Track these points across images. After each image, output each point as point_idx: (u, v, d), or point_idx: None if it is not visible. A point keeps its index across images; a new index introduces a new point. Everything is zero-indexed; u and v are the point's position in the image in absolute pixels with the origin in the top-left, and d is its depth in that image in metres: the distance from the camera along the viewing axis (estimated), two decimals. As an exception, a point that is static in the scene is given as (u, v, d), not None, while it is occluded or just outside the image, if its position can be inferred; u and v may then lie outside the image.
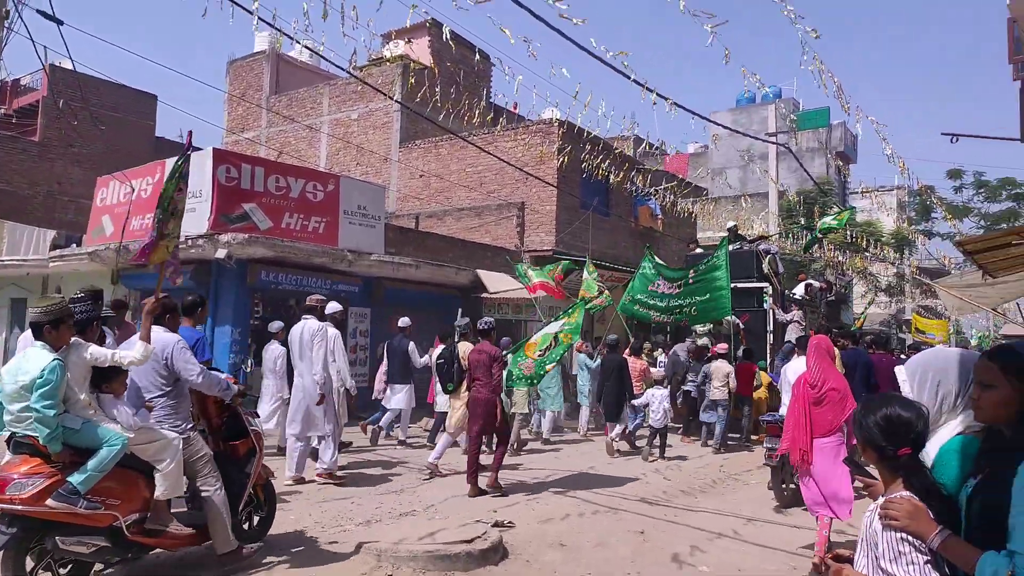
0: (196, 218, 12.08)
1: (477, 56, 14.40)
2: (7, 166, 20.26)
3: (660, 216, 21.71)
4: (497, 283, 15.87)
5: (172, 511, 4.69)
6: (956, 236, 18.02)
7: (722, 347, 11.94)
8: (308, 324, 7.90)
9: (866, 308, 23.66)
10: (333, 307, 8.53)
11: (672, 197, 20.08)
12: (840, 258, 22.93)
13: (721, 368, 11.45)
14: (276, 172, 13.01)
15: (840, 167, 33.19)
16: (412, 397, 10.73)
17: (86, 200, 16.26)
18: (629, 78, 8.89)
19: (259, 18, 8.38)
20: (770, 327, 14.40)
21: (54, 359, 4.11)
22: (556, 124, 18.57)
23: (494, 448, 8.51)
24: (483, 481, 7.70)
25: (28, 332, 5.41)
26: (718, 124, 14.11)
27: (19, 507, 4.02)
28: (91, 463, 4.15)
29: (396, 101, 19.50)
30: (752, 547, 6.04)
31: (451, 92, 19.15)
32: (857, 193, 38.83)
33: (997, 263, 9.09)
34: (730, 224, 16.16)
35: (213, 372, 5.02)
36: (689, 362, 12.74)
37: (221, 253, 11.57)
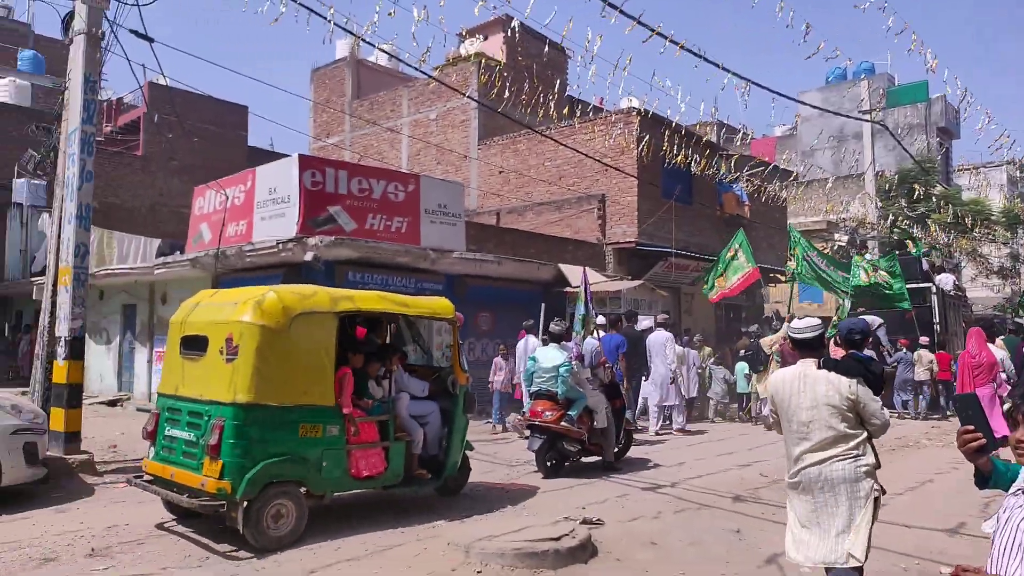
0: (285, 223, 12.48)
1: (547, 48, 14.22)
2: (114, 180, 21.57)
3: (747, 202, 20.96)
4: (580, 277, 15.71)
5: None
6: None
7: (924, 339, 15.53)
8: (663, 334, 12.55)
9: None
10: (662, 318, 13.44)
11: (759, 182, 19.34)
12: (945, 239, 21.55)
13: (924, 355, 15.15)
14: (359, 175, 13.29)
15: (940, 143, 31.19)
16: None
17: (186, 209, 17.12)
18: (703, 58, 8.57)
19: (335, 24, 8.53)
20: (936, 319, 17.03)
21: (567, 355, 8.35)
22: (635, 113, 18.20)
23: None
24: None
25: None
26: (803, 103, 13.47)
27: (549, 425, 8.02)
28: (576, 405, 8.20)
29: (471, 99, 19.59)
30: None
31: (526, 87, 19.09)
32: (964, 169, 36.38)
33: None
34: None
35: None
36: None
37: (309, 256, 11.89)
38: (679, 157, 15.18)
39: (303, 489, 5.50)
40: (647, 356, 12.24)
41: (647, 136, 16.48)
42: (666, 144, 15.60)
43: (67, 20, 8.50)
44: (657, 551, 5.50)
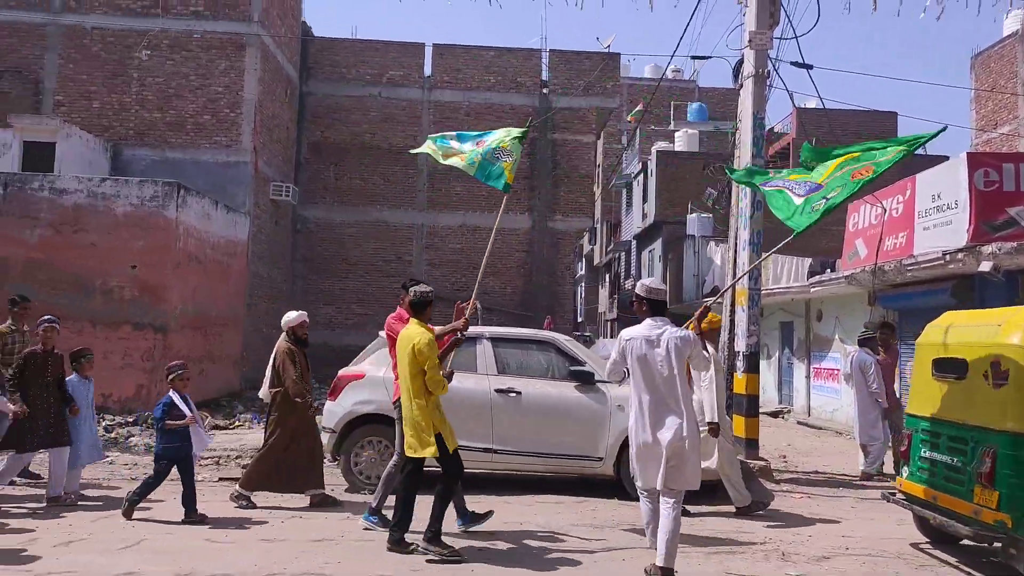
0: (952, 231, 11.28)
1: None
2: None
3: None
4: None
5: None
6: None
7: None
8: None
9: None
10: None
11: None
12: None
13: None
14: (1047, 166, 11.09)
15: None
16: None
17: (836, 227, 17.17)
18: None
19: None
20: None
21: None
22: None
23: None
24: None
25: None
26: None
27: None
28: None
29: None
30: None
31: None
32: None
33: None
34: None
35: None
36: None
37: (985, 266, 10.44)
38: None
39: None
40: None
41: None
42: None
43: (736, 67, 9.53)
44: None
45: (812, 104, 22.28)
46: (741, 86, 9.30)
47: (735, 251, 9.41)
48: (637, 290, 5.02)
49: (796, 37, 9.34)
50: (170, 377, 6.37)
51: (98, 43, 19.62)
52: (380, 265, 23.87)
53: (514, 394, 7.48)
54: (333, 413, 7.65)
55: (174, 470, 6.22)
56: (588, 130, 25.20)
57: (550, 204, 24.77)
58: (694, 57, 23.42)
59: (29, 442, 6.53)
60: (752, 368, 8.85)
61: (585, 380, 7.60)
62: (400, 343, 5.41)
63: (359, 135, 23.91)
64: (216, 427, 12.39)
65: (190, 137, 19.52)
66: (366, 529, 5.87)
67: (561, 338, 8.16)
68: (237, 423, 13.33)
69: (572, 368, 7.68)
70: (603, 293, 39.64)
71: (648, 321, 4.86)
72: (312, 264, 23.73)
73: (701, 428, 6.50)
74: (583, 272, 44.47)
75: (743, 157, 9.17)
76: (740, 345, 8.97)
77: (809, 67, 9.39)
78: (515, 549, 5.52)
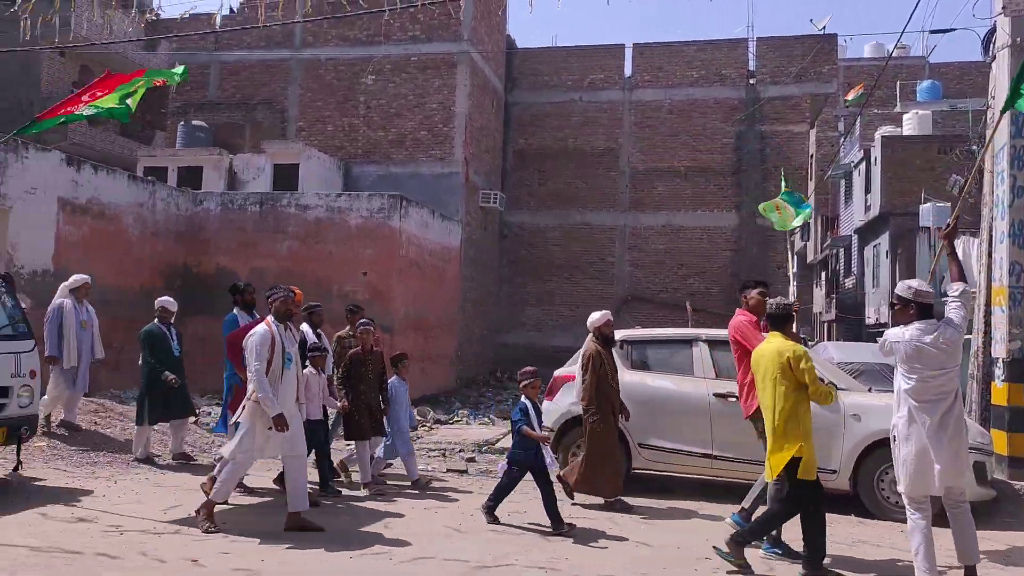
0: None
1: None
2: None
3: None
4: None
5: None
6: None
7: None
8: None
9: None
10: None
11: None
12: None
13: None
14: None
15: None
16: None
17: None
18: None
19: None
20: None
21: None
22: None
23: None
24: None
25: None
26: None
27: None
28: None
29: None
30: None
31: None
32: None
33: None
34: None
35: None
36: None
37: None
38: None
39: None
40: None
41: None
42: None
43: (986, 39, 8.47)
44: None
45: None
46: (993, 59, 8.23)
47: (990, 244, 8.33)
48: (901, 293, 4.73)
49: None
50: (522, 384, 6.25)
51: (331, 72, 21.82)
52: (584, 267, 24.14)
53: (733, 399, 7.19)
54: (551, 412, 7.84)
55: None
56: (801, 119, 23.67)
57: (759, 200, 23.51)
58: (933, 31, 21.15)
59: (365, 432, 7.12)
60: (1016, 376, 7.76)
61: (813, 386, 7.12)
62: (764, 358, 5.13)
63: (561, 140, 24.39)
64: (438, 422, 13.25)
65: (409, 152, 21.08)
66: (763, 558, 5.31)
67: (783, 341, 7.72)
68: (456, 419, 14.15)
69: (797, 373, 7.24)
70: (818, 293, 36.93)
71: (916, 324, 4.64)
72: (518, 267, 24.57)
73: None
74: (795, 270, 41.77)
75: (999, 138, 8.09)
76: (999, 351, 7.92)
77: (1082, 29, 8.05)
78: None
